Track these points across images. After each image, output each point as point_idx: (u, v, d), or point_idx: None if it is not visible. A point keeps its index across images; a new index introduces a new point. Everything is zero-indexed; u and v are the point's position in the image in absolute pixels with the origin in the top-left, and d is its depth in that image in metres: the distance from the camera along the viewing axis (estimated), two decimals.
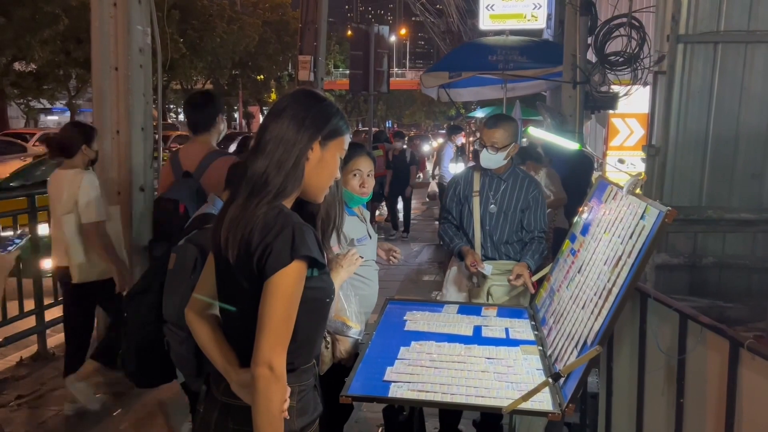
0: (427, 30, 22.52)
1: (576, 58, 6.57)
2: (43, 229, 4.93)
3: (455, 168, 9.35)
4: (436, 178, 10.47)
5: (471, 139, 16.98)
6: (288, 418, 1.61)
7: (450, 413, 3.38)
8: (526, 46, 8.97)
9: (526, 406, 2.07)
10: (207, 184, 3.20)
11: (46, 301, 4.97)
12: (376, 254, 3.02)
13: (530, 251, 3.51)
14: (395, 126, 51.80)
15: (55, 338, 5.06)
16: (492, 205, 3.54)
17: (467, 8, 16.76)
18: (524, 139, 7.39)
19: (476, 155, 9.00)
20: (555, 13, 9.66)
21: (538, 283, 3.30)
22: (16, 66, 21.57)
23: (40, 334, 4.87)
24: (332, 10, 9.72)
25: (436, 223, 10.05)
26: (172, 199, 3.13)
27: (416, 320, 2.89)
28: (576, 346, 2.27)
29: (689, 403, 2.39)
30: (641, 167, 5.48)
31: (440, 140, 17.13)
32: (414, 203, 11.93)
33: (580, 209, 3.07)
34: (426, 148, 19.30)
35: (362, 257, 2.40)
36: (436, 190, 10.53)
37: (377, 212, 11.43)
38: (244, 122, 40.17)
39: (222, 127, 3.56)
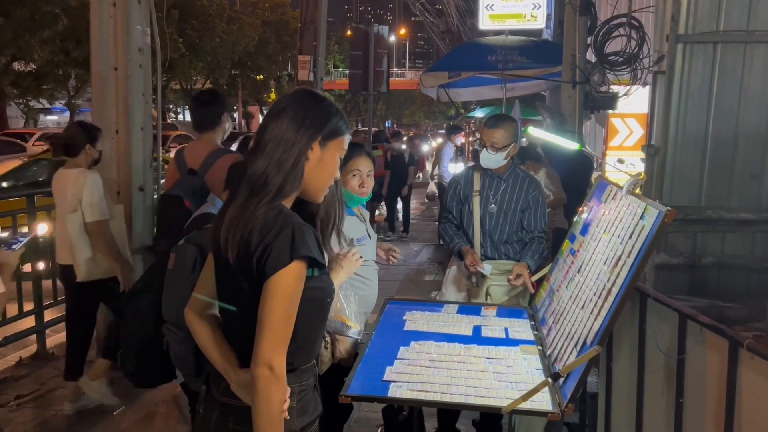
0: (426, 30, 22.52)
1: (575, 58, 6.57)
2: (41, 229, 4.93)
3: (455, 168, 9.34)
4: (436, 178, 10.47)
5: (470, 139, 16.98)
6: (288, 418, 1.61)
7: (448, 412, 3.38)
8: (526, 46, 8.97)
9: (525, 405, 2.07)
10: (211, 181, 3.23)
11: (46, 301, 4.97)
12: (375, 254, 3.03)
13: (530, 251, 3.52)
14: (395, 126, 51.79)
15: (55, 338, 5.06)
16: (492, 205, 3.54)
17: (467, 8, 16.74)
18: (524, 139, 7.39)
19: (475, 155, 9.01)
20: (554, 13, 9.67)
21: (538, 283, 3.30)
22: (16, 66, 21.55)
23: (39, 333, 4.87)
24: (332, 10, 9.73)
25: (436, 223, 10.05)
26: (177, 195, 3.17)
27: (416, 320, 2.89)
28: (575, 345, 2.27)
29: (689, 403, 2.39)
30: (641, 167, 5.48)
31: (439, 140, 17.12)
32: (413, 203, 11.92)
33: (580, 209, 3.07)
34: (425, 148, 19.29)
35: (362, 257, 2.40)
36: (435, 191, 10.52)
37: (377, 212, 11.43)
38: (243, 122, 40.14)
39: (227, 126, 3.61)
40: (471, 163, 6.19)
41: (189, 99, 34.02)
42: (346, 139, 1.77)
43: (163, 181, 4.45)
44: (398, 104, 52.32)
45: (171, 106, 35.06)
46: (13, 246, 2.39)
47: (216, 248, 1.69)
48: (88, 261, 3.78)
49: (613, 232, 2.46)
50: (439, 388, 2.19)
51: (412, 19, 55.21)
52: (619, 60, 6.17)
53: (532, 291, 3.36)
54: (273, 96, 35.86)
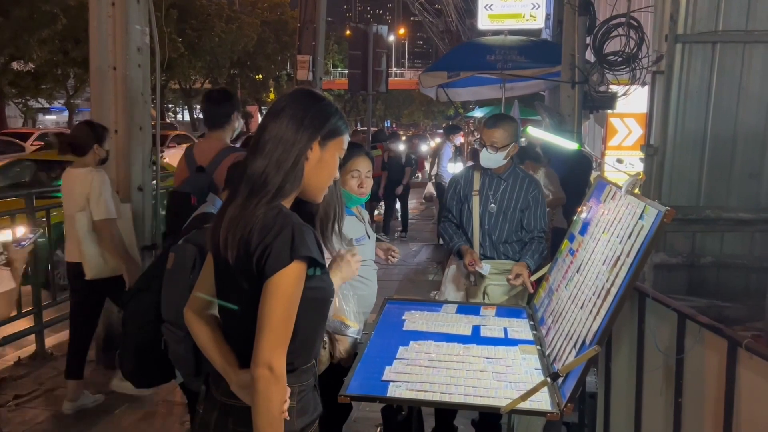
0: (425, 30, 22.52)
1: (574, 58, 6.58)
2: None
3: (453, 168, 9.33)
4: (434, 178, 10.46)
5: (470, 138, 16.97)
6: (288, 418, 1.60)
7: (445, 410, 3.39)
8: (525, 46, 8.97)
9: (524, 405, 2.07)
10: (219, 179, 3.25)
11: (44, 301, 4.96)
12: (374, 254, 3.03)
13: (530, 251, 3.52)
14: (393, 126, 51.75)
15: (53, 338, 5.06)
16: (492, 205, 3.54)
17: (466, 8, 16.77)
18: (523, 139, 7.38)
19: (474, 155, 9.00)
20: (553, 13, 9.67)
21: (537, 283, 3.30)
22: (14, 65, 21.56)
23: (38, 333, 4.86)
24: (331, 10, 9.73)
25: (434, 223, 10.05)
26: (185, 192, 3.20)
27: (415, 320, 2.89)
28: (574, 345, 2.27)
29: (687, 403, 2.39)
30: (640, 167, 5.48)
31: (438, 140, 17.11)
32: (412, 203, 11.91)
33: (579, 209, 3.07)
34: (424, 147, 19.29)
35: (361, 257, 2.40)
36: (433, 192, 10.51)
37: (376, 212, 11.42)
38: (242, 122, 40.12)
39: (237, 125, 3.64)
40: (470, 163, 6.19)
41: (188, 99, 34.00)
42: (346, 138, 1.77)
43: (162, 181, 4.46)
44: (397, 104, 52.29)
45: (170, 106, 35.05)
46: (23, 243, 2.43)
47: (215, 248, 1.69)
48: (97, 259, 3.81)
49: (612, 231, 2.46)
50: (438, 387, 2.19)
51: (411, 18, 55.18)
52: (618, 60, 6.18)
53: (532, 291, 3.36)
54: (272, 96, 35.84)
